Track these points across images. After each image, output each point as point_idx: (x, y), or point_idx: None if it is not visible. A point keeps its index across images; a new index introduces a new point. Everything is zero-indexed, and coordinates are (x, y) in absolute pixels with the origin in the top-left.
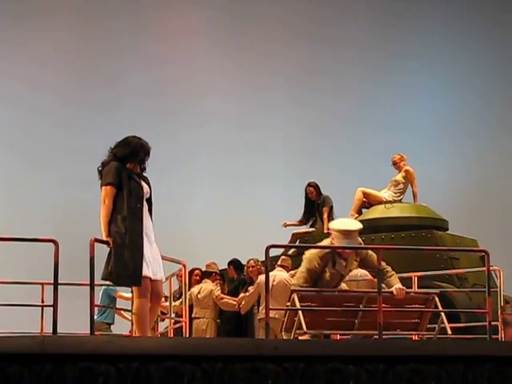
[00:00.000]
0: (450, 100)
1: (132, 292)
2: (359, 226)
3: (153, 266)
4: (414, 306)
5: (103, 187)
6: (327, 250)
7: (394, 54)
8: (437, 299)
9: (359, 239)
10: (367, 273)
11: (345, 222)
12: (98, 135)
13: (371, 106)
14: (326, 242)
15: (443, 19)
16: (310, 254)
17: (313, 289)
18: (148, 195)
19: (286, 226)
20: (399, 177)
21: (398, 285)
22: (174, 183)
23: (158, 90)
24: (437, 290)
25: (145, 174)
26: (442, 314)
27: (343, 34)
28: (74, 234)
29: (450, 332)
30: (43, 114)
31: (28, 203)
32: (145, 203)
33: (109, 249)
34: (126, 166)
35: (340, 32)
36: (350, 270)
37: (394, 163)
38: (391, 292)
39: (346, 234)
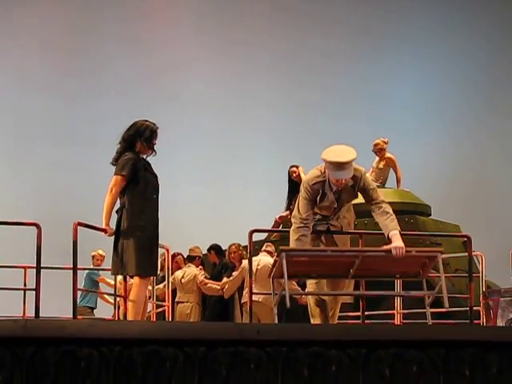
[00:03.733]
0: (441, 83)
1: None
2: (352, 156)
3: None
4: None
5: (115, 176)
6: (317, 180)
7: (385, 35)
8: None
9: (354, 168)
10: None
11: (337, 151)
12: (82, 121)
13: (361, 84)
14: (313, 172)
15: (436, 2)
16: (302, 184)
17: (302, 248)
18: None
19: (280, 220)
20: (381, 165)
21: (396, 232)
22: (159, 168)
23: (146, 77)
24: (441, 248)
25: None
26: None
27: (333, 14)
28: (57, 218)
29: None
30: (28, 96)
31: (11, 186)
32: None
33: (106, 236)
34: (137, 150)
35: (329, 11)
36: (348, 202)
37: (379, 149)
38: (389, 250)
39: (339, 166)
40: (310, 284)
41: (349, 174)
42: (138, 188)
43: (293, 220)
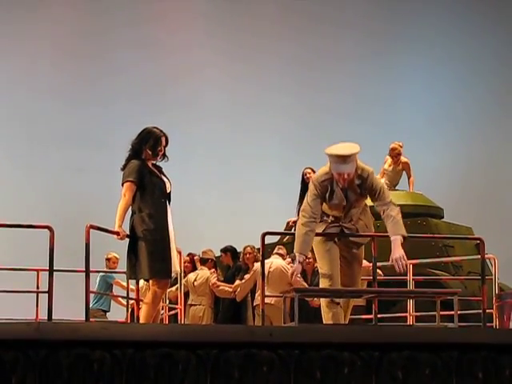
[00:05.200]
0: (452, 85)
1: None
2: (355, 149)
3: (174, 261)
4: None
5: (124, 184)
6: (326, 177)
7: (396, 37)
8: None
9: (357, 163)
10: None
11: (341, 146)
12: (95, 125)
13: (372, 86)
14: (323, 169)
15: (446, 3)
16: (311, 181)
17: (314, 287)
18: (170, 189)
19: (291, 224)
20: (397, 168)
21: (395, 238)
22: (172, 173)
23: (157, 81)
24: (458, 290)
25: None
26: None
27: (343, 16)
28: (70, 221)
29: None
30: (40, 100)
31: (23, 189)
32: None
33: (118, 239)
34: (143, 157)
35: (339, 14)
36: (357, 201)
37: (396, 154)
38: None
39: (342, 159)
40: (323, 284)
41: (350, 169)
42: (146, 193)
43: (301, 214)
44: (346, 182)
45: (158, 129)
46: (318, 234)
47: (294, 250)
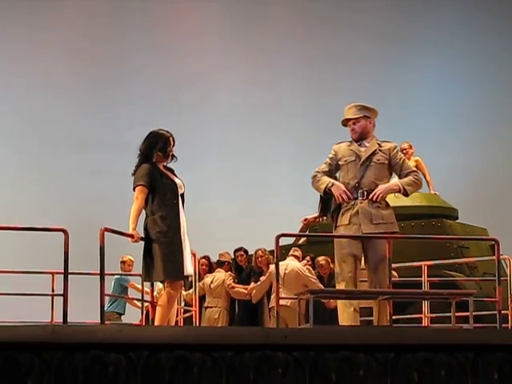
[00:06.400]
0: (465, 85)
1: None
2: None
3: (187, 263)
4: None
5: (135, 188)
6: (344, 141)
7: (409, 39)
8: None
9: (385, 141)
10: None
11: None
12: (108, 128)
13: (385, 88)
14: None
15: (459, 4)
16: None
17: (328, 289)
18: (182, 190)
19: (306, 222)
20: None
21: (395, 182)
22: (185, 175)
23: (171, 85)
24: (473, 291)
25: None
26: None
27: (356, 19)
28: (84, 224)
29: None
30: (54, 103)
31: (38, 193)
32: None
33: (132, 241)
34: (154, 160)
35: (353, 16)
36: (376, 175)
37: (405, 153)
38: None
39: (348, 108)
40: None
41: (356, 115)
42: (157, 196)
43: (312, 175)
44: (357, 134)
45: (164, 130)
46: (333, 236)
47: (326, 186)
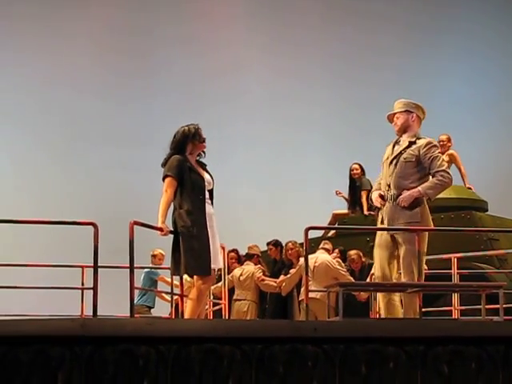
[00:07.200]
0: (495, 77)
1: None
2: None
3: (214, 257)
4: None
5: (164, 179)
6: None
7: (438, 31)
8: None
9: (421, 136)
10: None
11: None
12: (135, 122)
13: (413, 80)
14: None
15: None
16: None
17: (357, 282)
18: (211, 186)
19: (339, 193)
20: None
21: (418, 189)
22: (215, 169)
23: (200, 78)
24: (504, 283)
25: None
26: None
27: (385, 11)
28: (113, 217)
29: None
30: (82, 97)
31: (66, 187)
32: (207, 194)
33: (161, 235)
34: (187, 153)
35: (381, 8)
36: (403, 152)
37: (442, 145)
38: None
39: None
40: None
41: (399, 109)
42: (185, 189)
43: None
44: (397, 127)
45: (192, 124)
46: (361, 229)
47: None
